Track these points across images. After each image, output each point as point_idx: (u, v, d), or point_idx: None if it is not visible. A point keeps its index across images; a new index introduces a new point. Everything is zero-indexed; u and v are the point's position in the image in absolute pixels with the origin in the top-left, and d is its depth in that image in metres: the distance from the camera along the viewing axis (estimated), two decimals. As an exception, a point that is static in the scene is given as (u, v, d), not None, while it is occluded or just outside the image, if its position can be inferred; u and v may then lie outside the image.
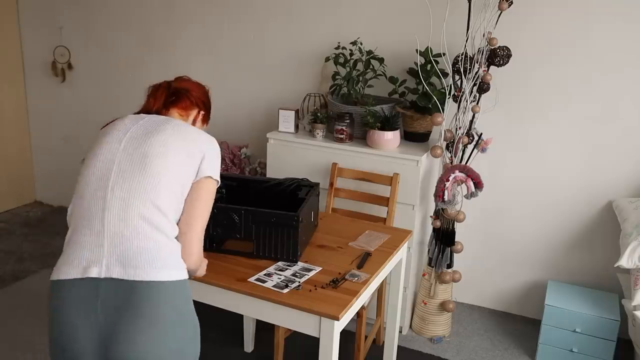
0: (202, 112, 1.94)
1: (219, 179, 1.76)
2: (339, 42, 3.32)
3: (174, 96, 1.88)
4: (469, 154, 3.02)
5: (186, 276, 1.64)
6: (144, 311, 1.53)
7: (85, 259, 1.56)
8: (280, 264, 2.16)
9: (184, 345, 1.61)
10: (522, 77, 3.11)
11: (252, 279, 2.04)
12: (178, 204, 1.66)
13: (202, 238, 1.70)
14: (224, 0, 3.70)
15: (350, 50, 3.24)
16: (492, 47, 2.87)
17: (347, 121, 3.05)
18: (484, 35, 2.88)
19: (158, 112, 1.84)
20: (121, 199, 1.59)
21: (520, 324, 3.36)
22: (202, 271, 1.86)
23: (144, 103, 1.88)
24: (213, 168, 1.73)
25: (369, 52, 3.20)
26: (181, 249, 1.64)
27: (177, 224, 1.67)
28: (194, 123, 1.92)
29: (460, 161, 3.02)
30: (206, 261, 1.89)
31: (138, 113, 1.84)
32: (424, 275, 3.18)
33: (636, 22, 2.87)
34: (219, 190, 2.43)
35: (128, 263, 1.55)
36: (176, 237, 1.66)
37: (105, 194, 1.60)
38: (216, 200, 2.32)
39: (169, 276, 1.57)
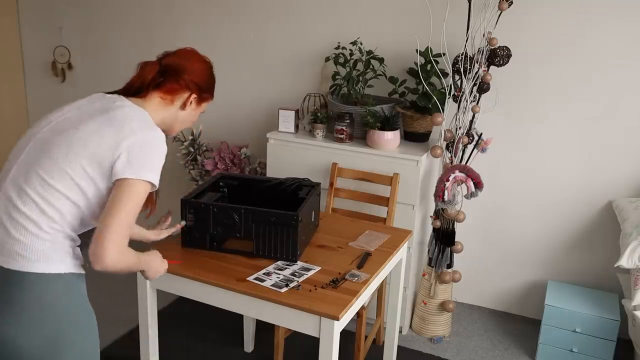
0: (194, 95, 1.82)
1: (145, 178, 1.60)
2: (339, 42, 3.32)
3: (163, 76, 1.79)
4: (469, 154, 3.02)
5: (62, 270, 1.62)
6: (10, 298, 1.57)
7: None
8: (279, 263, 2.16)
9: (57, 341, 1.60)
10: (522, 77, 3.11)
11: (250, 278, 2.04)
12: (70, 202, 1.62)
13: (119, 238, 1.57)
14: (224, 0, 3.70)
15: (350, 50, 3.24)
16: (492, 47, 2.87)
17: (347, 121, 3.05)
18: (484, 35, 2.88)
19: (139, 92, 1.77)
20: (10, 185, 1.62)
21: (520, 324, 3.35)
22: (151, 273, 1.82)
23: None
24: (130, 168, 1.59)
25: (369, 52, 3.20)
26: (91, 244, 1.59)
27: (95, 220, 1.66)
28: (184, 107, 1.81)
29: (460, 161, 3.02)
30: (149, 262, 1.79)
31: (119, 91, 1.79)
32: (424, 275, 3.18)
33: (636, 22, 2.87)
34: (220, 190, 2.46)
35: (2, 250, 1.59)
36: (75, 232, 1.67)
37: (5, 178, 1.64)
38: (217, 200, 2.34)
39: (37, 268, 1.58)
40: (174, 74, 1.79)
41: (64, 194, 1.60)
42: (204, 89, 1.85)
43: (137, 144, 1.62)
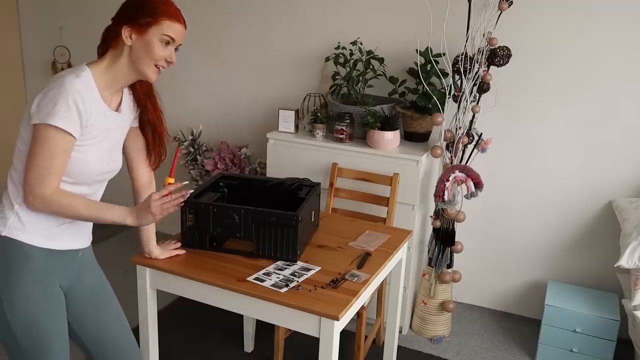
0: (126, 27, 1.72)
1: (51, 122, 1.58)
2: (339, 42, 3.32)
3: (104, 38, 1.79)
4: (469, 154, 3.02)
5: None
6: None
7: None
8: (279, 263, 2.16)
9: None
10: (522, 77, 3.11)
11: (250, 278, 2.04)
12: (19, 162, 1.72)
13: (36, 182, 1.62)
14: (225, 1, 3.70)
15: (350, 50, 3.24)
16: (492, 47, 2.87)
17: (347, 121, 3.05)
18: (484, 35, 2.88)
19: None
20: None
21: (520, 324, 3.35)
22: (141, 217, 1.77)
23: None
24: (37, 114, 1.60)
25: (369, 52, 3.20)
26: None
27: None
28: (125, 44, 1.72)
29: (460, 161, 3.02)
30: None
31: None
32: (424, 275, 3.18)
33: (636, 22, 2.87)
34: (220, 190, 2.45)
35: None
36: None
37: None
38: (217, 200, 2.34)
39: None
40: (106, 28, 1.80)
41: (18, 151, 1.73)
42: (135, 15, 1.73)
43: (45, 90, 1.64)
